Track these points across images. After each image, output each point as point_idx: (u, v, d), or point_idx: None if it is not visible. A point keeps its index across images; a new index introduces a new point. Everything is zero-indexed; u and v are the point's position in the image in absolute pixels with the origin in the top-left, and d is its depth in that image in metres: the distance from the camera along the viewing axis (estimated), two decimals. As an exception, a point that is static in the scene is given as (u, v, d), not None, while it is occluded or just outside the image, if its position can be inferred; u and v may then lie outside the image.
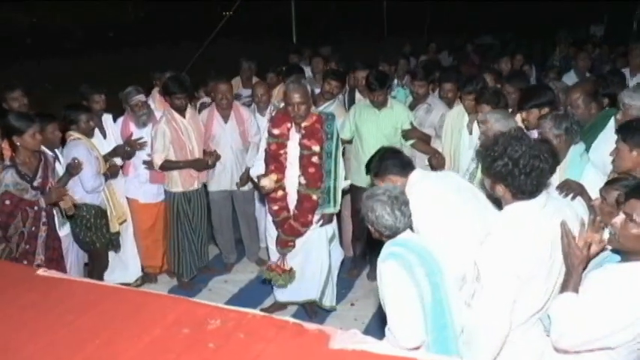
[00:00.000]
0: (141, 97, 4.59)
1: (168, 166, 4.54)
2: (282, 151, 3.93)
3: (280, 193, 3.96)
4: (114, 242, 4.51)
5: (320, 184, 3.89)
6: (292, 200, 3.96)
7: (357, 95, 5.38)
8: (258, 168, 4.09)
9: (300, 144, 3.88)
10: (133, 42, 26.33)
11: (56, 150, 4.15)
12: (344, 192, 5.16)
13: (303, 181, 3.89)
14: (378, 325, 4.10)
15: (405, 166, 2.99)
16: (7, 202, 3.51)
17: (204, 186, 4.92)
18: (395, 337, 2.39)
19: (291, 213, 3.98)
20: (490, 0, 21.57)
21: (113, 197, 4.41)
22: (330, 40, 10.91)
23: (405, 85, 6.11)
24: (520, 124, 3.63)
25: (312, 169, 3.86)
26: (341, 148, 4.04)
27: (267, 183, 3.85)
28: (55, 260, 3.78)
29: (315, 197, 3.89)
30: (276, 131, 3.94)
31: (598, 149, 3.31)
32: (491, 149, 2.28)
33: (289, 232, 3.98)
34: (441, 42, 11.58)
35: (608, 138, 3.29)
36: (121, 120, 4.73)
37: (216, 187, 4.94)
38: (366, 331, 3.96)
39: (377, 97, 4.52)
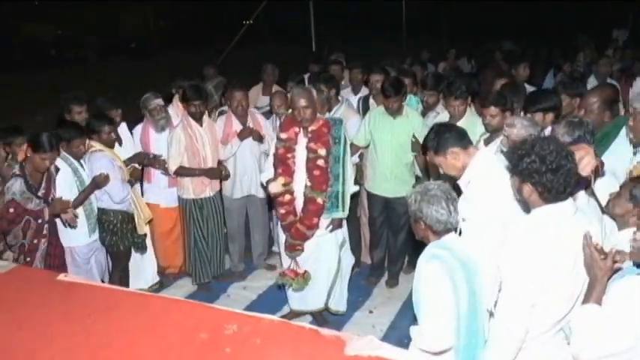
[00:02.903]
0: (159, 101, 4.69)
1: (182, 172, 4.62)
2: (289, 155, 3.98)
3: (288, 197, 3.99)
4: (139, 244, 4.56)
5: (325, 187, 3.91)
6: (300, 204, 3.99)
7: (371, 100, 5.35)
8: (267, 173, 4.14)
9: (307, 147, 3.93)
10: (154, 51, 26.78)
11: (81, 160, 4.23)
12: (356, 197, 5.21)
13: (308, 184, 3.93)
14: (395, 332, 4.08)
15: (463, 138, 2.95)
16: (12, 210, 3.59)
17: (220, 193, 4.96)
18: (424, 337, 2.40)
19: (298, 217, 4.00)
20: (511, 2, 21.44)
21: (139, 200, 4.49)
22: (348, 45, 10.93)
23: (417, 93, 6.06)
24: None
25: (317, 172, 3.89)
26: (349, 153, 4.06)
27: (274, 188, 3.92)
28: (56, 267, 3.84)
29: (320, 200, 3.91)
30: (284, 135, 4.02)
31: (610, 157, 3.25)
32: (519, 148, 2.29)
33: (296, 236, 4.01)
34: (460, 48, 11.51)
35: (619, 146, 3.23)
36: (140, 127, 4.82)
37: (237, 193, 4.96)
38: (384, 339, 3.93)
39: (391, 104, 4.49)
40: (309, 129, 3.93)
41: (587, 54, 9.25)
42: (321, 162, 3.90)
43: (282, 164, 3.99)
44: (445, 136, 2.91)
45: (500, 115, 3.78)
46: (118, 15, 30.41)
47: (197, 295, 4.78)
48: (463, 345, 2.39)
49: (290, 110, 5.06)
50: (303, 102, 3.85)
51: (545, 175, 2.16)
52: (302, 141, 3.98)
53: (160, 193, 4.85)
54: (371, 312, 4.54)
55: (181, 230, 4.92)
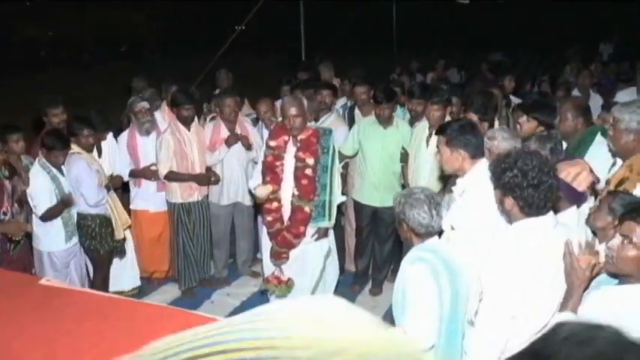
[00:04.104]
0: (144, 104, 4.73)
1: (172, 177, 4.63)
2: (278, 163, 4.01)
3: (275, 204, 4.03)
4: (119, 249, 4.57)
5: (312, 196, 3.94)
6: (287, 212, 4.02)
7: (356, 111, 5.38)
8: (256, 180, 4.17)
9: (296, 156, 3.97)
10: (146, 55, 26.71)
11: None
12: (340, 206, 5.27)
13: (296, 193, 3.96)
14: (378, 340, 4.10)
15: (478, 149, 2.94)
16: None
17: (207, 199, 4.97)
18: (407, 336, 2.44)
19: (285, 225, 4.03)
20: (502, 15, 21.62)
21: (117, 205, 4.49)
22: (339, 55, 10.98)
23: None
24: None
25: (304, 181, 3.93)
26: (337, 163, 4.09)
27: (261, 192, 3.95)
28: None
29: (307, 209, 3.94)
30: (273, 143, 4.05)
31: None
32: (502, 161, 2.34)
33: (282, 244, 4.04)
34: (450, 59, 11.63)
35: (597, 153, 3.30)
36: (126, 133, 4.83)
37: (224, 200, 4.98)
38: (366, 347, 3.96)
39: (382, 111, 4.52)
40: (299, 138, 3.96)
41: (574, 66, 9.41)
42: (308, 171, 3.92)
43: (271, 172, 4.01)
44: (466, 136, 2.90)
45: (479, 124, 3.84)
46: (115, 17, 30.32)
47: (181, 301, 4.76)
48: (443, 345, 2.45)
49: (277, 116, 5.13)
50: (293, 110, 3.88)
51: (527, 190, 2.21)
52: (291, 149, 4.00)
53: (149, 198, 4.86)
54: (354, 320, 4.55)
55: (169, 234, 4.93)
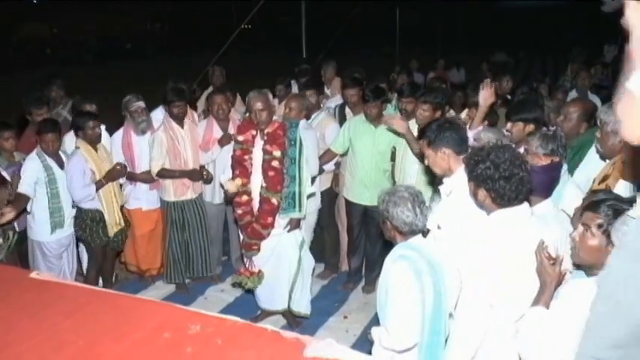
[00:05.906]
0: (140, 103, 4.69)
1: (164, 174, 4.67)
2: (246, 157, 4.08)
3: (245, 197, 4.09)
4: (116, 244, 4.64)
5: (279, 187, 4.01)
6: (257, 205, 4.09)
7: (347, 109, 5.37)
8: (226, 174, 4.23)
9: (263, 149, 4.04)
10: (152, 54, 26.81)
11: (62, 156, 4.31)
12: (333, 204, 5.29)
13: (264, 185, 4.03)
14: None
15: (462, 143, 2.90)
16: None
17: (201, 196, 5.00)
18: (389, 335, 2.46)
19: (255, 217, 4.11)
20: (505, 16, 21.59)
21: (109, 206, 4.53)
22: (340, 54, 11.00)
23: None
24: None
25: (271, 173, 4.00)
26: (305, 155, 4.12)
27: (231, 186, 4.01)
28: None
29: (274, 200, 4.01)
30: (240, 137, 4.12)
31: (585, 166, 3.35)
32: (475, 154, 2.42)
33: (252, 235, 4.10)
34: (453, 59, 11.63)
35: (595, 155, 3.33)
36: (121, 130, 4.82)
37: (216, 199, 5.01)
38: (357, 344, 3.99)
39: (370, 110, 4.53)
40: (265, 131, 4.02)
41: (575, 68, 9.38)
42: (275, 163, 3.99)
43: (239, 166, 4.08)
44: (445, 134, 2.87)
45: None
46: (116, 17, 30.45)
47: (174, 297, 4.79)
48: (426, 344, 2.46)
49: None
50: (259, 105, 3.94)
51: (498, 182, 2.30)
52: (258, 143, 4.07)
53: (142, 196, 4.85)
54: (345, 317, 4.56)
55: (161, 231, 4.96)
